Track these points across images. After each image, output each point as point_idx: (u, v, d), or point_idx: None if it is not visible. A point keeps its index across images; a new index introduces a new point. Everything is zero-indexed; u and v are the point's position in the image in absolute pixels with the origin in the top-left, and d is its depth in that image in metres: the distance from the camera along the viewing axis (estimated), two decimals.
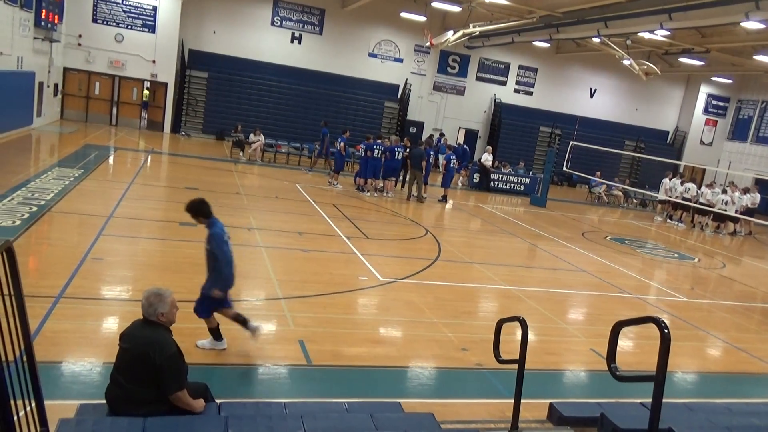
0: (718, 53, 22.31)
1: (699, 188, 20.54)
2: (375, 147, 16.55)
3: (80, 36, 22.16)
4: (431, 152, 17.90)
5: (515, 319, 4.42)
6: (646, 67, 21.21)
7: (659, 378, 3.01)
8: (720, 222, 19.53)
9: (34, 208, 9.50)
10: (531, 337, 4.34)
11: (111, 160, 16.34)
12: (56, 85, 21.62)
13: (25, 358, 3.07)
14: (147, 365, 3.46)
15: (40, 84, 19.23)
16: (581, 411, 4.59)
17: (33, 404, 3.14)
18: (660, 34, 19.64)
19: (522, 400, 4.31)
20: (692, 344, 7.97)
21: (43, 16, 18.03)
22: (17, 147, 15.83)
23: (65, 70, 22.28)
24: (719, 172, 27.86)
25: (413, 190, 16.89)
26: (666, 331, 3.00)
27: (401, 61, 27.06)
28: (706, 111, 30.68)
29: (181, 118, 24.46)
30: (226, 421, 3.46)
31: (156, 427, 3.22)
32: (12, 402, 2.73)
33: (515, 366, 4.36)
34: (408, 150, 17.40)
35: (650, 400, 3.08)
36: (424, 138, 23.34)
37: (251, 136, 20.07)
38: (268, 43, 25.28)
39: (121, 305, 6.39)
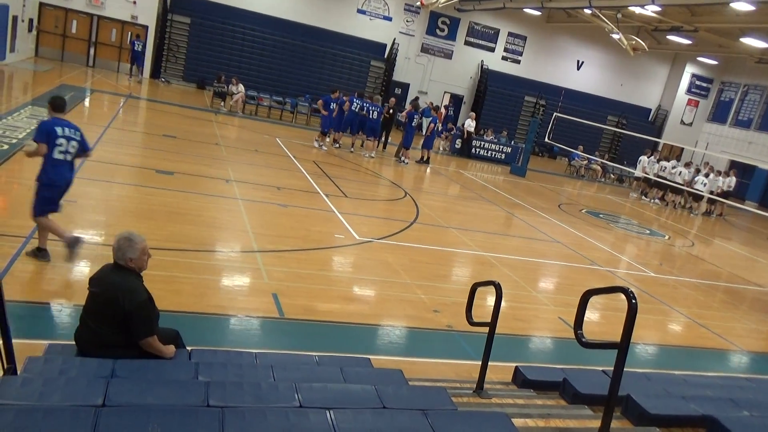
0: (706, 33, 22.32)
1: (674, 167, 20.74)
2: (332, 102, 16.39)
3: None
4: (416, 115, 17.59)
5: (490, 284, 4.45)
6: (634, 42, 21.18)
7: (623, 345, 3.09)
8: (693, 202, 19.88)
9: (5, 146, 9.24)
10: (502, 302, 4.41)
11: (87, 102, 15.89)
12: (31, 21, 20.76)
13: None
14: (116, 310, 3.43)
15: (14, 18, 18.44)
16: (545, 375, 4.72)
17: (0, 342, 3.11)
18: (651, 10, 19.53)
19: (489, 363, 4.40)
20: (656, 318, 8.20)
21: None
22: None
23: (41, 5, 21.38)
24: (696, 152, 28.21)
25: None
26: (633, 301, 3.07)
27: (390, 19, 26.53)
28: (689, 91, 30.83)
29: (161, 63, 23.80)
30: (196, 367, 3.47)
31: (125, 370, 3.22)
32: None
33: (484, 329, 4.44)
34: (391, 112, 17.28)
35: (612, 368, 3.16)
36: (409, 100, 23.08)
37: (230, 86, 19.63)
38: None
39: (93, 249, 6.30)
